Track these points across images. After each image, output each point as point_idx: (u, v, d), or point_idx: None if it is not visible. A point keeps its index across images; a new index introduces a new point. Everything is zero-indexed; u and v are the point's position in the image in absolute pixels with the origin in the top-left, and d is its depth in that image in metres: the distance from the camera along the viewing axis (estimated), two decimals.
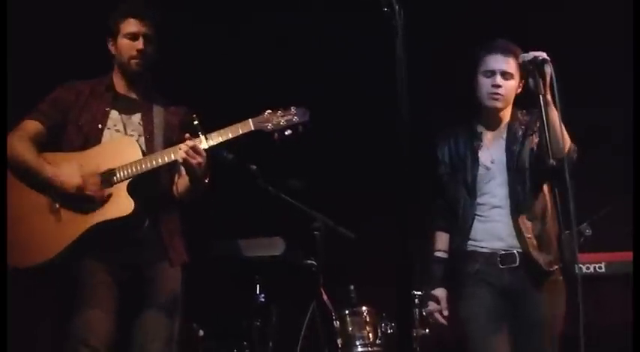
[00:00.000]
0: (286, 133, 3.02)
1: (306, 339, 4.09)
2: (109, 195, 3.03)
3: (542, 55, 3.06)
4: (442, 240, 3.48)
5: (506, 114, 3.44)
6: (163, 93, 3.34)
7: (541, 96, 3.04)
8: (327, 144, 4.80)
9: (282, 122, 3.01)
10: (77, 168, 3.04)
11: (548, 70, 3.03)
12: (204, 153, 2.99)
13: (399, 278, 1.92)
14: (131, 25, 3.18)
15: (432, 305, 3.46)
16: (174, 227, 3.23)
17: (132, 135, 3.17)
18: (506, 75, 3.32)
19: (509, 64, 3.32)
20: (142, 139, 3.17)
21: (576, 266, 3.69)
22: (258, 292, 4.21)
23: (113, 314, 3.02)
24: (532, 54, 3.08)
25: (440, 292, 3.45)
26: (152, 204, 3.11)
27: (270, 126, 3.01)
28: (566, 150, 3.13)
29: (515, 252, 3.28)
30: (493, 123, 3.45)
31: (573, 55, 4.42)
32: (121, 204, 3.00)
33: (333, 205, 4.25)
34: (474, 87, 3.40)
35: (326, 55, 4.93)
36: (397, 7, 1.84)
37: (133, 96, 3.26)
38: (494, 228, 3.33)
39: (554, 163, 3.03)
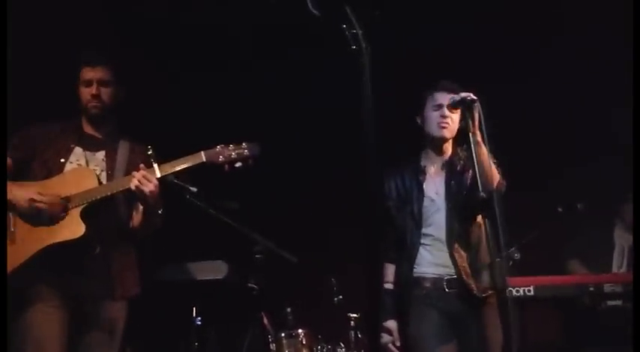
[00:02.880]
0: (236, 165, 3.16)
1: None
2: (63, 217, 3.10)
3: (470, 95, 3.21)
4: (390, 271, 3.61)
5: (448, 149, 3.65)
6: (129, 134, 3.45)
7: (471, 135, 3.18)
8: (269, 169, 4.86)
9: (233, 155, 3.16)
10: (33, 188, 3.14)
11: (477, 109, 3.18)
12: (156, 182, 3.10)
13: (370, 301, 1.96)
14: (86, 73, 3.35)
15: (385, 338, 3.52)
16: (128, 260, 3.31)
17: (94, 170, 3.27)
18: (452, 110, 3.51)
19: None
20: (104, 174, 3.29)
21: (507, 291, 3.86)
22: (194, 315, 4.18)
23: (61, 339, 3.07)
24: (461, 95, 3.23)
25: (391, 324, 3.54)
26: (105, 233, 3.19)
27: (221, 158, 3.14)
28: (495, 184, 3.32)
29: (458, 278, 3.42)
30: (437, 157, 3.64)
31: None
32: (73, 227, 3.08)
33: (269, 227, 4.27)
34: (423, 121, 3.62)
35: (289, 88, 5.05)
36: (364, 44, 1.89)
37: (99, 136, 3.39)
38: (439, 256, 3.48)
39: (485, 195, 3.14)
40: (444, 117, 3.53)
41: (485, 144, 3.20)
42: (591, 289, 4.23)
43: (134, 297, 3.30)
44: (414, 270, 3.48)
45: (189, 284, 4.25)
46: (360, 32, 1.91)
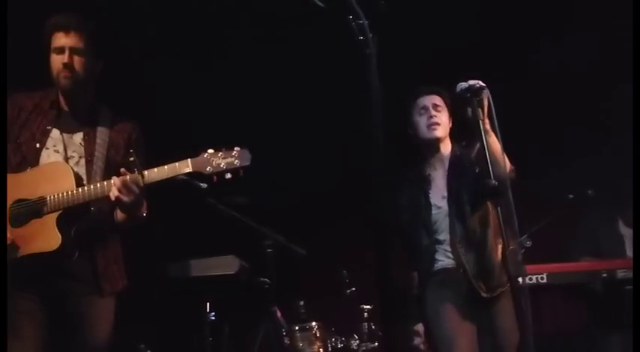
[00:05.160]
0: (226, 177, 2.87)
1: None
2: (36, 228, 2.91)
3: (479, 82, 3.16)
4: (414, 279, 3.65)
5: (446, 148, 3.63)
6: (112, 108, 3.20)
7: (480, 123, 3.12)
8: (274, 160, 4.86)
9: (223, 165, 2.85)
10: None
11: (486, 96, 3.13)
12: (137, 191, 2.86)
13: (382, 298, 1.95)
14: (57, 39, 3.05)
15: (416, 340, 3.62)
16: (113, 254, 3.12)
17: (72, 157, 3.05)
18: (437, 107, 3.58)
19: (437, 99, 3.60)
20: (83, 161, 3.06)
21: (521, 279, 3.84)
22: (208, 310, 4.18)
23: (38, 344, 2.92)
24: (469, 82, 3.17)
25: (420, 327, 3.62)
26: (85, 234, 2.98)
27: (209, 168, 2.86)
28: (508, 171, 3.26)
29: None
30: (437, 161, 3.63)
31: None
32: (49, 238, 2.88)
33: (279, 221, 4.27)
34: (413, 129, 3.63)
35: (295, 81, 5.02)
36: (370, 35, 1.87)
37: (78, 113, 3.13)
38: (456, 255, 3.50)
39: (496, 183, 3.06)
40: (431, 117, 3.55)
41: (496, 132, 3.15)
42: (604, 275, 4.22)
43: (122, 291, 3.12)
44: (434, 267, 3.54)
45: (202, 280, 4.23)
46: (366, 22, 1.89)
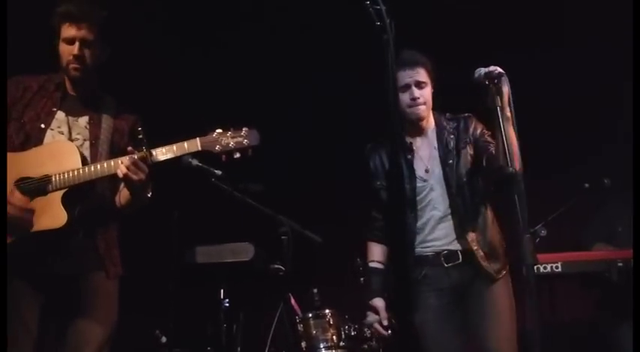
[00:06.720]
0: (235, 156, 2.90)
1: (274, 343, 4.11)
2: (41, 206, 2.91)
3: (498, 69, 3.05)
4: (376, 250, 3.55)
5: (430, 120, 3.51)
6: (115, 97, 3.23)
7: (499, 109, 2.99)
8: (289, 147, 4.86)
9: (232, 144, 2.89)
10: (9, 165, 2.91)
11: (505, 83, 3.03)
12: (146, 170, 2.87)
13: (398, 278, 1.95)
14: (67, 30, 3.07)
15: (371, 317, 3.49)
16: (112, 238, 3.14)
17: (77, 139, 3.07)
18: (420, 84, 3.41)
19: (420, 74, 3.42)
20: (87, 144, 3.07)
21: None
22: (222, 297, 4.20)
23: (34, 328, 2.92)
24: (489, 68, 3.06)
25: (378, 302, 3.49)
26: (89, 214, 2.99)
27: (218, 147, 2.89)
28: (518, 166, 3.09)
29: (457, 250, 3.34)
30: (419, 131, 3.51)
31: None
32: (55, 215, 2.88)
33: (294, 208, 4.28)
34: (397, 101, 3.46)
35: (309, 67, 5.02)
36: (388, 20, 1.87)
37: (83, 97, 3.16)
38: (435, 233, 3.38)
39: (514, 171, 2.93)
40: (413, 99, 3.40)
41: (513, 122, 3.03)
42: (620, 264, 4.20)
43: (122, 276, 3.13)
44: (416, 250, 3.39)
45: (217, 267, 4.26)
46: (384, 8, 1.89)
